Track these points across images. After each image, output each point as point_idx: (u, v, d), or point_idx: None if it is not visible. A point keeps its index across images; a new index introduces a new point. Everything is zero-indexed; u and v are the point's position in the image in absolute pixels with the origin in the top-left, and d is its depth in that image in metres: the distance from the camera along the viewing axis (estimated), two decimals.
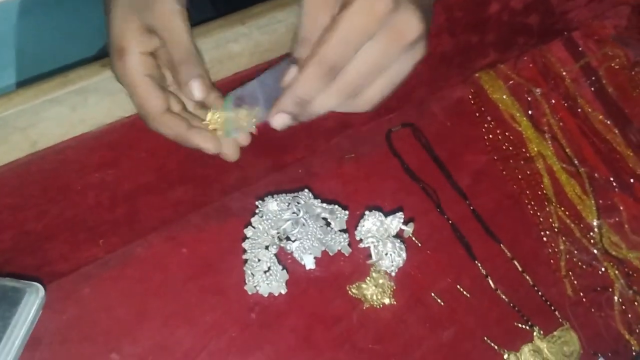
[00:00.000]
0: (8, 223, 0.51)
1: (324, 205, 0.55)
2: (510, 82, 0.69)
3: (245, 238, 0.54)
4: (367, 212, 0.56)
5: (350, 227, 0.57)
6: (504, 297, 0.58)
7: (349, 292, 0.56)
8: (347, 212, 0.56)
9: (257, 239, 0.53)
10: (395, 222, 0.55)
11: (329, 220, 0.55)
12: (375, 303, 0.56)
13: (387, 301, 0.56)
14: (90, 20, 0.85)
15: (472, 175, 0.64)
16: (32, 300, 0.43)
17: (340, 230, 0.55)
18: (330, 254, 0.55)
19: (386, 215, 0.55)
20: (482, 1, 0.66)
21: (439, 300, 0.57)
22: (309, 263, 0.53)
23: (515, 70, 0.70)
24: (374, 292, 0.56)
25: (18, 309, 0.43)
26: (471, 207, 0.62)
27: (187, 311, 0.53)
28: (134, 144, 0.52)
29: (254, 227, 0.54)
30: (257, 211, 0.55)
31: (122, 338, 0.51)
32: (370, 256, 0.55)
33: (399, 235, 0.56)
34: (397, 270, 0.55)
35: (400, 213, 0.56)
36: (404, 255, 0.54)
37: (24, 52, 0.88)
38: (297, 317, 0.54)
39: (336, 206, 0.56)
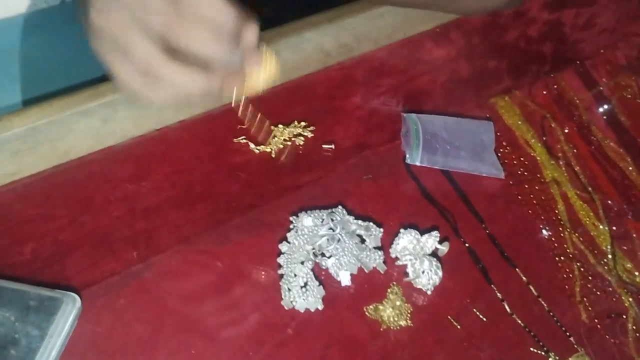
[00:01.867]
0: (30, 235, 0.51)
1: (359, 222, 0.55)
2: (525, 108, 0.70)
3: (280, 253, 0.54)
4: (402, 230, 0.56)
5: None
6: (519, 321, 0.58)
7: (366, 313, 0.55)
8: (381, 229, 0.56)
9: (292, 254, 0.53)
10: (431, 241, 0.55)
11: (363, 237, 0.55)
12: (392, 325, 0.55)
13: (403, 323, 0.55)
14: None
15: (488, 199, 0.64)
16: (69, 310, 0.43)
17: (374, 248, 0.56)
18: (366, 270, 0.55)
19: (422, 233, 0.56)
20: (501, 27, 0.67)
21: (455, 324, 0.57)
22: (345, 279, 0.53)
23: (530, 97, 0.71)
24: (391, 314, 0.56)
25: (55, 318, 0.42)
26: (487, 231, 0.62)
27: (224, 324, 0.53)
28: (161, 157, 0.52)
29: (289, 242, 0.54)
30: (291, 226, 0.55)
31: (157, 350, 0.50)
32: (406, 274, 0.55)
33: (434, 254, 0.56)
34: (432, 289, 0.55)
35: (436, 232, 0.56)
36: (440, 273, 0.55)
37: (32, 68, 0.87)
38: (330, 335, 0.54)
39: (371, 223, 0.56)
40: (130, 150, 0.49)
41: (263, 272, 0.54)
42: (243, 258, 0.55)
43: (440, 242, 0.56)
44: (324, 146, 0.59)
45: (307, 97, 0.56)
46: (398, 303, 0.56)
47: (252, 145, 0.54)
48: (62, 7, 0.89)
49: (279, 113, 0.58)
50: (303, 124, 0.56)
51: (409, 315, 0.56)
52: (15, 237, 0.50)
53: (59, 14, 0.89)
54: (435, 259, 0.56)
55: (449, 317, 0.57)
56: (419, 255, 0.55)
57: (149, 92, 0.40)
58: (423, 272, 0.54)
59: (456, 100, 0.69)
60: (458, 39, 0.65)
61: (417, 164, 0.63)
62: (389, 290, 0.56)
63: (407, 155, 0.63)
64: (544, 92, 0.72)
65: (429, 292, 0.56)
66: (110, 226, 0.53)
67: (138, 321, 0.51)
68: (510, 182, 0.65)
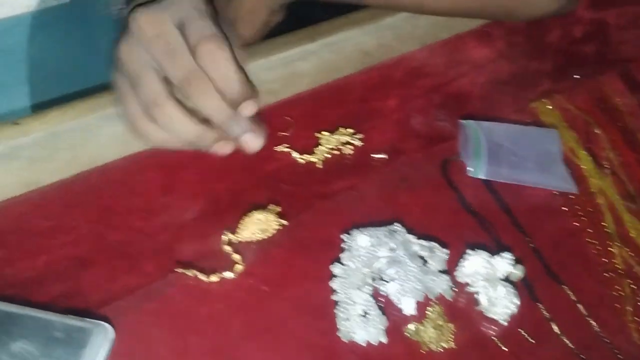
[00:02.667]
0: (44, 247, 0.47)
1: (422, 242, 0.51)
2: (567, 113, 0.66)
3: (332, 276, 0.49)
4: (469, 251, 0.52)
5: None
6: (569, 343, 0.54)
7: (406, 333, 0.51)
8: (448, 250, 0.52)
9: (347, 278, 0.48)
10: (504, 264, 0.50)
11: (425, 258, 0.51)
12: (434, 347, 0.51)
13: (446, 345, 0.51)
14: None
15: (532, 211, 0.60)
16: (100, 342, 0.38)
17: (439, 271, 0.51)
18: (431, 297, 0.50)
19: (493, 254, 0.52)
20: (544, 27, 0.64)
21: (500, 345, 0.53)
22: (409, 308, 0.48)
23: (571, 101, 0.67)
24: (433, 335, 0.52)
25: (84, 352, 0.37)
26: (531, 245, 0.58)
27: (273, 356, 0.48)
28: (185, 165, 0.48)
29: (343, 265, 0.49)
30: (344, 246, 0.50)
31: None
32: (477, 302, 0.51)
33: (506, 279, 0.52)
34: (509, 319, 0.51)
35: (509, 254, 0.51)
36: (517, 301, 0.50)
37: (41, 70, 0.83)
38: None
39: (435, 243, 0.51)
40: (151, 158, 0.46)
41: (314, 298, 0.49)
42: (286, 277, 0.50)
43: (513, 265, 0.52)
44: (373, 155, 0.55)
45: (343, 100, 0.52)
46: (440, 323, 0.52)
47: (294, 154, 0.50)
48: (72, 5, 0.84)
49: (313, 117, 0.54)
50: (350, 130, 0.52)
51: (451, 336, 0.52)
52: (28, 250, 0.47)
53: (70, 12, 0.84)
54: (510, 285, 0.51)
55: (493, 338, 0.53)
56: (492, 280, 0.51)
57: (148, 130, 0.43)
58: (497, 299, 0.50)
59: (492, 104, 0.66)
60: (498, 38, 0.61)
61: (482, 177, 0.59)
62: (429, 309, 0.52)
63: (470, 168, 0.59)
64: (586, 96, 0.68)
65: (504, 323, 0.51)
66: (130, 238, 0.49)
67: (163, 344, 0.46)
68: (555, 192, 0.61)
